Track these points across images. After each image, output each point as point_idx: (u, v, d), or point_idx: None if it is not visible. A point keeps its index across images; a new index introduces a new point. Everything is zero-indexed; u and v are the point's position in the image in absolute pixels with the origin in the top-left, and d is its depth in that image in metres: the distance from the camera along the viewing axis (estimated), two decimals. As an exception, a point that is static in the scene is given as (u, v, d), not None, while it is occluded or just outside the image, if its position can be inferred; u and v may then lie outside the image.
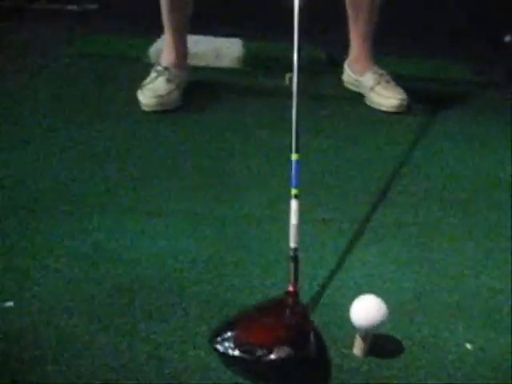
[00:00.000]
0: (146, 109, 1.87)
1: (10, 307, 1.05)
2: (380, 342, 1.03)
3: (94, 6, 3.01)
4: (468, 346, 1.06)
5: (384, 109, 2.00)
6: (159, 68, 1.98)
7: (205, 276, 1.17)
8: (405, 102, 1.99)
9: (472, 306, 1.15)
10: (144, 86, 1.92)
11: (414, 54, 2.61)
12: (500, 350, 1.06)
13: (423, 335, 1.07)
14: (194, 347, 1.00)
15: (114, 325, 1.03)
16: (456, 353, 1.04)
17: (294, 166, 1.16)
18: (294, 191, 1.13)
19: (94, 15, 2.95)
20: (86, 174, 1.50)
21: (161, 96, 1.88)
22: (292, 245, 1.09)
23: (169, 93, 1.90)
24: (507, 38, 3.02)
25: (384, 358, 1.02)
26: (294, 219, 1.10)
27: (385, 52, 2.23)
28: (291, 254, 1.08)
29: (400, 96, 1.99)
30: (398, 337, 1.06)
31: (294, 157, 1.16)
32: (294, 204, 1.12)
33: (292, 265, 1.07)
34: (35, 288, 1.10)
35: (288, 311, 1.01)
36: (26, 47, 2.39)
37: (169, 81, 1.93)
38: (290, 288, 1.05)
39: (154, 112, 1.86)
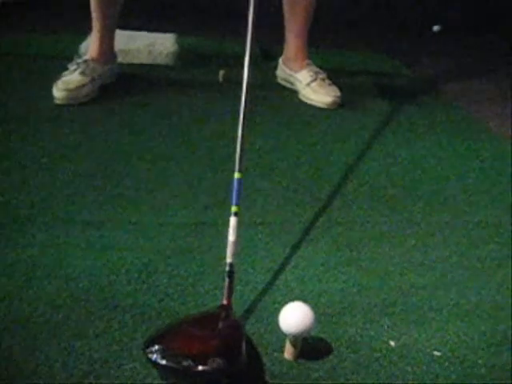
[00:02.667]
0: (57, 102, 1.89)
1: None
2: (310, 345, 1.08)
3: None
4: (391, 343, 1.13)
5: (318, 105, 2.06)
6: (79, 60, 2.00)
7: (139, 286, 1.20)
8: (338, 100, 2.05)
9: (395, 304, 1.22)
10: (59, 78, 1.93)
11: (342, 47, 2.66)
12: (421, 345, 1.13)
13: (350, 335, 1.13)
14: (131, 360, 1.03)
15: (49, 343, 1.04)
16: (380, 350, 1.11)
17: (235, 184, 1.18)
18: (233, 208, 1.16)
19: (17, 7, 2.87)
20: (15, 184, 1.48)
21: (70, 90, 1.90)
22: (228, 260, 1.12)
23: (79, 86, 1.92)
24: (435, 28, 3.11)
25: (313, 360, 1.07)
26: (231, 236, 1.13)
27: (315, 45, 2.26)
28: (227, 268, 1.11)
29: (334, 93, 2.05)
30: (327, 338, 1.12)
31: (237, 175, 1.19)
32: (232, 221, 1.14)
33: (227, 279, 1.10)
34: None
35: (220, 324, 1.05)
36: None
37: (83, 74, 1.94)
38: (224, 301, 1.09)
39: (70, 106, 1.88)
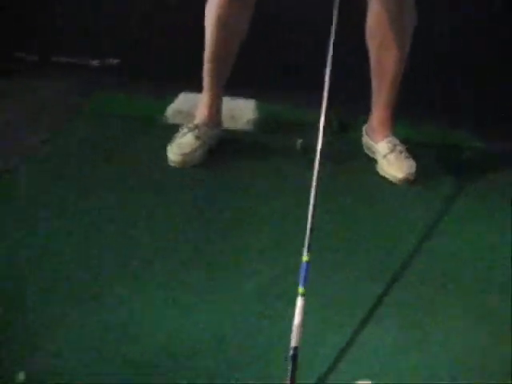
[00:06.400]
0: (171, 164, 2.00)
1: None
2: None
3: (115, 61, 3.11)
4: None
5: (389, 179, 2.06)
6: (190, 125, 2.08)
7: (210, 354, 1.23)
8: (411, 177, 2.03)
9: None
10: (173, 141, 2.04)
11: (425, 121, 2.63)
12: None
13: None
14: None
15: None
16: None
17: (304, 267, 1.23)
18: (300, 290, 1.19)
19: (115, 71, 3.03)
20: (96, 243, 1.57)
21: (186, 154, 2.00)
22: (293, 344, 1.13)
23: (194, 150, 2.02)
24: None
25: None
26: (297, 319, 1.15)
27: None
28: (291, 352, 1.13)
29: (408, 170, 2.04)
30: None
31: (305, 258, 1.24)
32: (299, 302, 1.17)
33: (291, 364, 1.12)
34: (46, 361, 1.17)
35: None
36: (43, 104, 2.42)
37: (197, 138, 2.04)
38: (288, 384, 1.10)
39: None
